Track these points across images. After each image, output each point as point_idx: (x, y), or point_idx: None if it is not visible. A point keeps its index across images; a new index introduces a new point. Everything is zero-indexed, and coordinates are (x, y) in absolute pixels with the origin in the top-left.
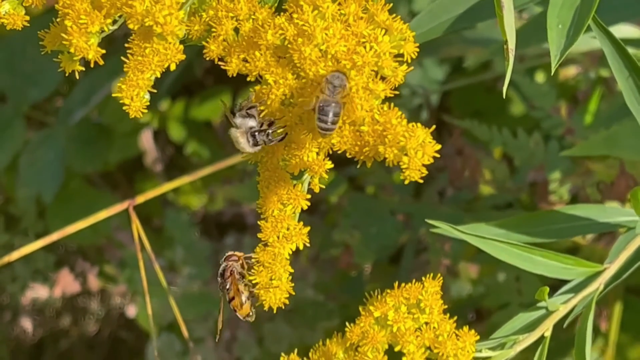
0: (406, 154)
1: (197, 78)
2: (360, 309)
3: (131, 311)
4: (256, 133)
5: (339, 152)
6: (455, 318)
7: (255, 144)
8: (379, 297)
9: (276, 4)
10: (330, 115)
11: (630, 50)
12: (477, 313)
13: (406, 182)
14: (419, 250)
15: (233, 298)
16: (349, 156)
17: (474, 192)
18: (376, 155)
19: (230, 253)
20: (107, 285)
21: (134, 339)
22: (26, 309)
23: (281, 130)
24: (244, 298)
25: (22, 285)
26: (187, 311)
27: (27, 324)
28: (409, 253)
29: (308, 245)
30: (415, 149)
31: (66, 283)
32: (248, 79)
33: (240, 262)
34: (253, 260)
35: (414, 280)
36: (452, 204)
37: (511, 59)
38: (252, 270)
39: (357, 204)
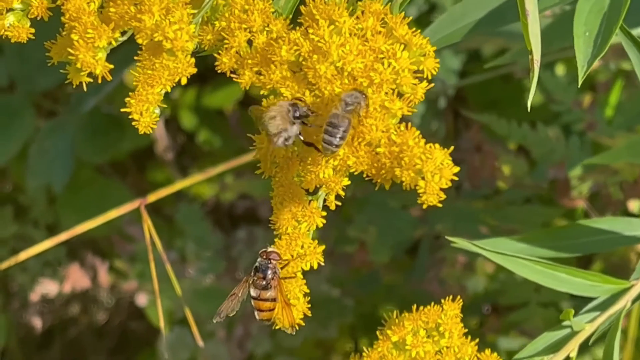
0: (423, 178)
1: (209, 65)
2: (378, 332)
3: (141, 300)
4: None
5: (356, 173)
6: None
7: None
8: (397, 320)
9: (291, 16)
10: (340, 130)
11: None
12: (493, 306)
13: (424, 206)
14: (435, 246)
15: (268, 300)
16: (366, 178)
17: (491, 187)
18: (394, 178)
19: (271, 249)
20: (117, 281)
21: (144, 329)
22: (35, 305)
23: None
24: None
25: (32, 277)
26: (199, 306)
27: (36, 319)
28: (425, 249)
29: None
30: (433, 173)
31: (76, 278)
32: (261, 92)
33: (280, 262)
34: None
35: (431, 297)
36: (469, 198)
37: (536, 70)
38: None
39: (372, 198)
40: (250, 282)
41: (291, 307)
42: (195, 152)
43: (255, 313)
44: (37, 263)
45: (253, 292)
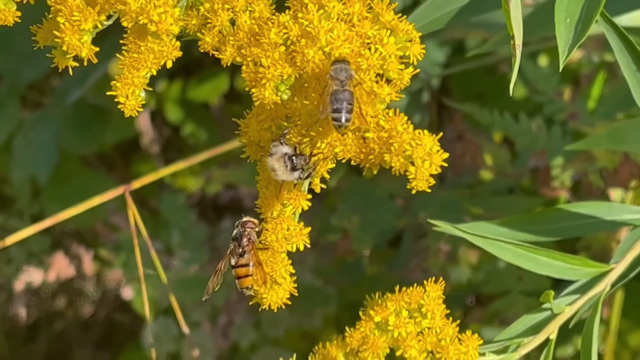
0: (413, 163)
1: (195, 58)
2: (361, 313)
3: (127, 293)
4: (293, 157)
5: (343, 161)
6: (459, 317)
7: (294, 168)
8: (380, 300)
9: None
10: (345, 104)
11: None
12: (476, 298)
13: (413, 192)
14: (418, 235)
15: (244, 265)
16: (354, 164)
17: (474, 176)
18: (382, 163)
19: (246, 219)
20: (102, 270)
21: (130, 321)
22: (20, 293)
23: (317, 156)
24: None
25: (17, 268)
26: (183, 295)
27: (21, 308)
28: (408, 238)
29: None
30: (422, 158)
31: (61, 267)
32: (243, 67)
33: (257, 229)
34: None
35: (415, 285)
36: (452, 188)
37: (518, 55)
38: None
39: (356, 188)
40: (229, 252)
41: (257, 267)
42: (181, 145)
43: (236, 283)
44: (22, 254)
45: (232, 261)
